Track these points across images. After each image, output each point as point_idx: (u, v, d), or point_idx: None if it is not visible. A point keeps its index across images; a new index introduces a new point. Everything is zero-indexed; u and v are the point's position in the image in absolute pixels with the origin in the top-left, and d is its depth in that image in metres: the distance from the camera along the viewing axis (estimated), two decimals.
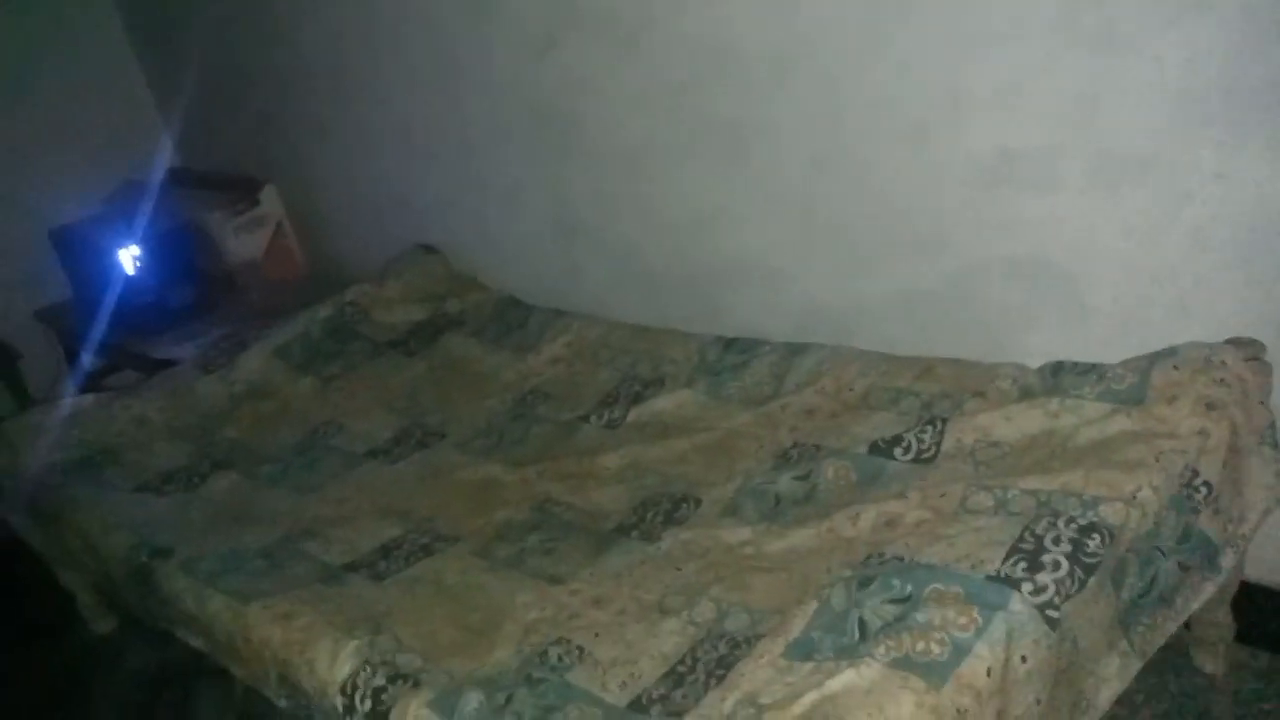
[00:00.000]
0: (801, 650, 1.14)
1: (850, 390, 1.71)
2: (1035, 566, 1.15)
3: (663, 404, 1.88)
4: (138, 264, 2.67)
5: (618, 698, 1.21)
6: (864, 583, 1.20)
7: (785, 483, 1.55)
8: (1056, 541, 1.18)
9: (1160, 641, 1.29)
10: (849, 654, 1.09)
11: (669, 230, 2.09)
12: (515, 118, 2.24)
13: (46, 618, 2.36)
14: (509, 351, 2.21)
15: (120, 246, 2.66)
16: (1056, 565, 1.15)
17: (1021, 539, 1.20)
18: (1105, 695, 1.23)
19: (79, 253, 2.79)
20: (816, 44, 1.70)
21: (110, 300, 2.65)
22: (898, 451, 1.52)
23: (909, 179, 1.69)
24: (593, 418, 1.91)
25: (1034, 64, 1.48)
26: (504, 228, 2.43)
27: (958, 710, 1.01)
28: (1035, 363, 1.58)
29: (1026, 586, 1.12)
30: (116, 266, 2.66)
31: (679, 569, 1.44)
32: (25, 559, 2.22)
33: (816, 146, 1.78)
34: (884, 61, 1.64)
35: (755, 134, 1.85)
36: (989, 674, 1.05)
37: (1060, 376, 1.52)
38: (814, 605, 1.21)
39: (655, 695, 1.20)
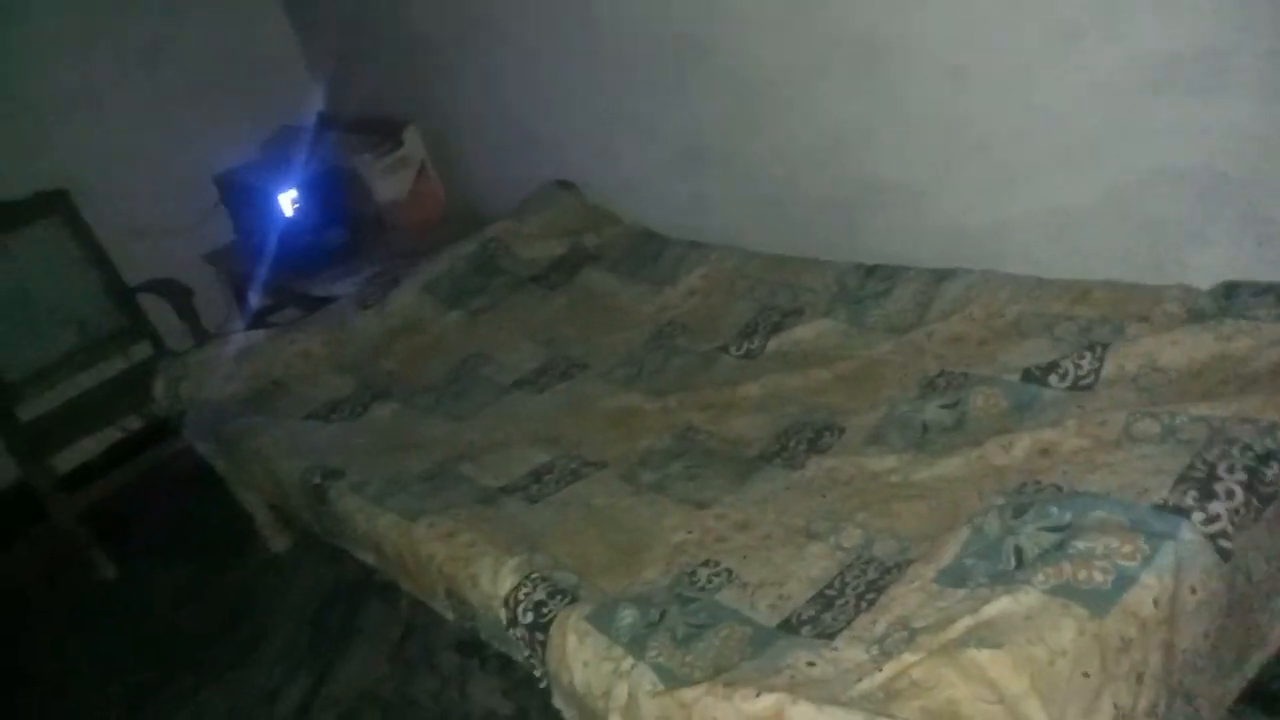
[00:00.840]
0: (954, 576, 1.14)
1: (1000, 317, 1.65)
2: (1207, 495, 1.10)
3: (803, 333, 1.87)
4: (295, 206, 2.81)
5: (767, 618, 1.24)
6: (1019, 510, 1.18)
7: (932, 411, 1.52)
8: (1231, 470, 1.12)
9: None
10: (1005, 581, 1.08)
11: (803, 154, 2.05)
12: (643, 45, 2.22)
13: (229, 537, 2.58)
14: (646, 285, 2.24)
15: (279, 190, 2.81)
16: (1231, 494, 1.10)
17: (1192, 467, 1.15)
18: (1279, 632, 1.18)
19: (241, 197, 2.96)
20: None
21: (271, 241, 2.81)
22: (1053, 379, 1.47)
23: (1061, 87, 1.59)
24: (731, 348, 1.92)
25: None
26: (636, 159, 2.44)
27: (1122, 639, 1.00)
28: (1205, 284, 1.49)
29: (1197, 515, 1.08)
30: (276, 209, 2.81)
31: (824, 496, 1.45)
32: (210, 482, 2.42)
33: (957, 56, 1.69)
34: None
35: (890, 46, 1.77)
36: (1156, 604, 1.02)
37: (1234, 297, 1.43)
38: (966, 532, 1.20)
39: (805, 617, 1.22)
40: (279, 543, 2.53)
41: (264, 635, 2.31)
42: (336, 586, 2.37)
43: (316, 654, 2.21)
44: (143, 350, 2.99)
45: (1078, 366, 1.47)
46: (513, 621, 1.36)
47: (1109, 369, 1.44)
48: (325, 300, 2.62)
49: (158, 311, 3.00)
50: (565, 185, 2.64)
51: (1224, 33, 1.39)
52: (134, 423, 2.90)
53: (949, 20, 1.68)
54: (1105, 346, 1.46)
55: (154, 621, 2.50)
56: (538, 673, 1.35)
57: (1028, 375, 1.50)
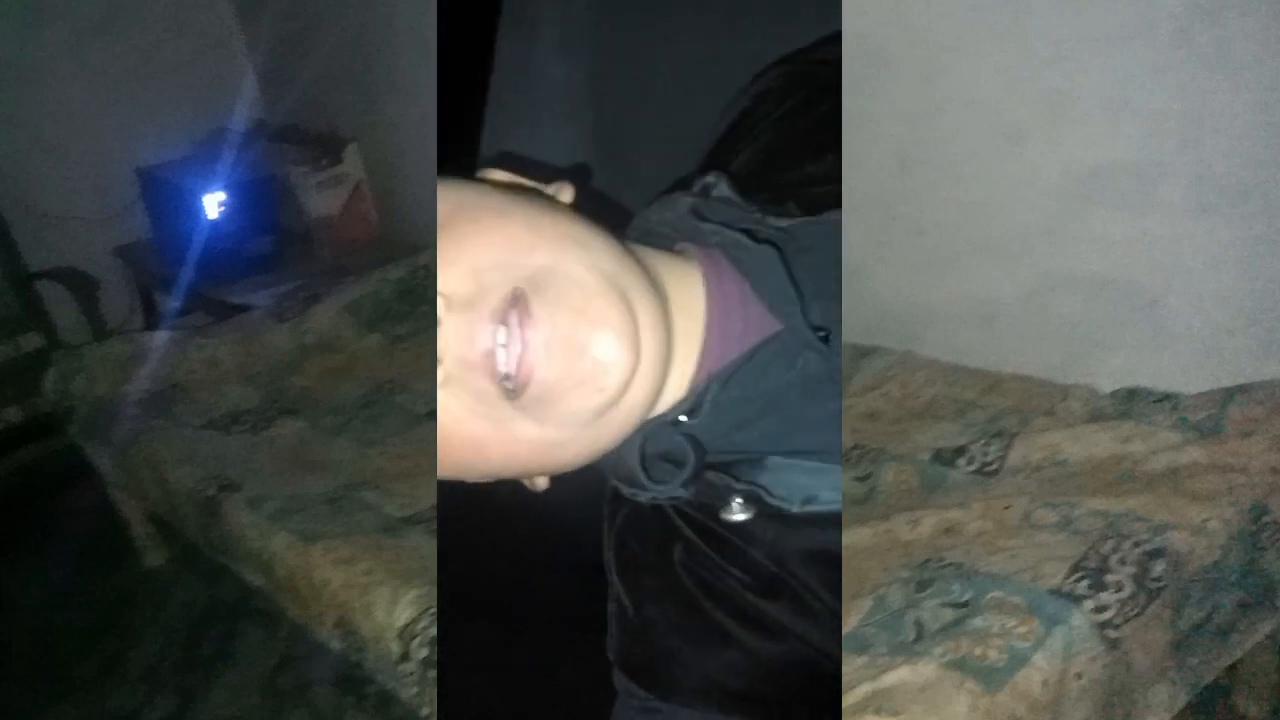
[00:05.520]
0: (855, 644, 1.15)
1: (916, 398, 1.70)
2: (1099, 585, 1.14)
3: None
4: (221, 209, 2.73)
5: None
6: (923, 585, 1.20)
7: (845, 482, 1.55)
8: (1122, 563, 1.17)
9: (1210, 677, 1.28)
10: (904, 651, 1.10)
11: None
12: None
13: (104, 545, 2.43)
14: None
15: (205, 191, 2.73)
16: (1120, 586, 1.15)
17: (1085, 557, 1.19)
18: None
19: (165, 194, 2.86)
20: (920, 35, 1.68)
21: (191, 243, 2.72)
22: (961, 462, 1.52)
23: (999, 185, 1.67)
24: None
25: (1143, 75, 1.45)
26: None
27: (1011, 717, 1.02)
28: (1107, 385, 1.56)
29: (1088, 604, 1.12)
30: (200, 210, 2.73)
31: None
32: (89, 486, 2.29)
33: (906, 143, 1.76)
34: (989, 59, 1.61)
35: (845, 121, 1.84)
36: (1044, 686, 1.05)
37: (1133, 403, 1.50)
38: (869, 602, 1.21)
39: None
40: (154, 556, 2.40)
41: (130, 651, 2.18)
42: (211, 608, 2.25)
43: (183, 677, 2.08)
44: (32, 341, 2.83)
45: (985, 453, 1.52)
46: (405, 656, 1.31)
47: (1014, 458, 1.49)
48: (240, 309, 2.54)
49: (56, 302, 2.87)
50: None
51: (1161, 151, 1.47)
52: (14, 415, 2.74)
53: (904, 108, 1.74)
54: (1012, 436, 1.52)
55: (17, 624, 2.33)
56: (424, 712, 1.31)
57: (937, 456, 1.54)
